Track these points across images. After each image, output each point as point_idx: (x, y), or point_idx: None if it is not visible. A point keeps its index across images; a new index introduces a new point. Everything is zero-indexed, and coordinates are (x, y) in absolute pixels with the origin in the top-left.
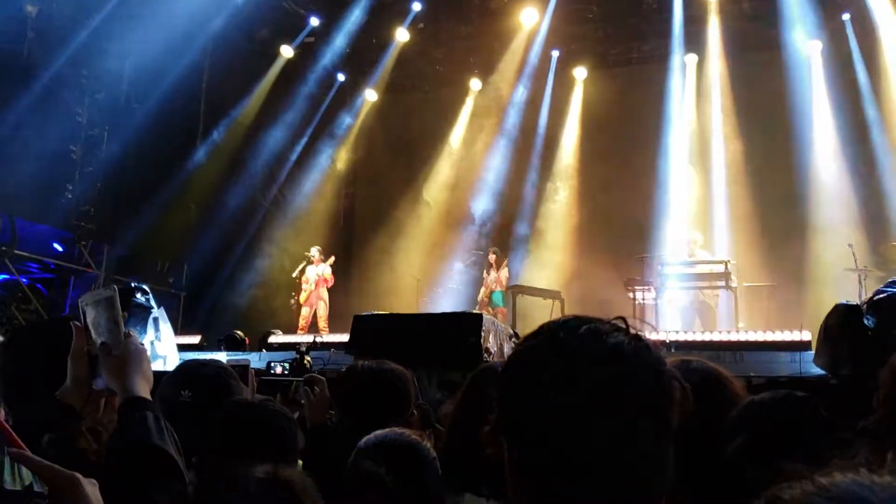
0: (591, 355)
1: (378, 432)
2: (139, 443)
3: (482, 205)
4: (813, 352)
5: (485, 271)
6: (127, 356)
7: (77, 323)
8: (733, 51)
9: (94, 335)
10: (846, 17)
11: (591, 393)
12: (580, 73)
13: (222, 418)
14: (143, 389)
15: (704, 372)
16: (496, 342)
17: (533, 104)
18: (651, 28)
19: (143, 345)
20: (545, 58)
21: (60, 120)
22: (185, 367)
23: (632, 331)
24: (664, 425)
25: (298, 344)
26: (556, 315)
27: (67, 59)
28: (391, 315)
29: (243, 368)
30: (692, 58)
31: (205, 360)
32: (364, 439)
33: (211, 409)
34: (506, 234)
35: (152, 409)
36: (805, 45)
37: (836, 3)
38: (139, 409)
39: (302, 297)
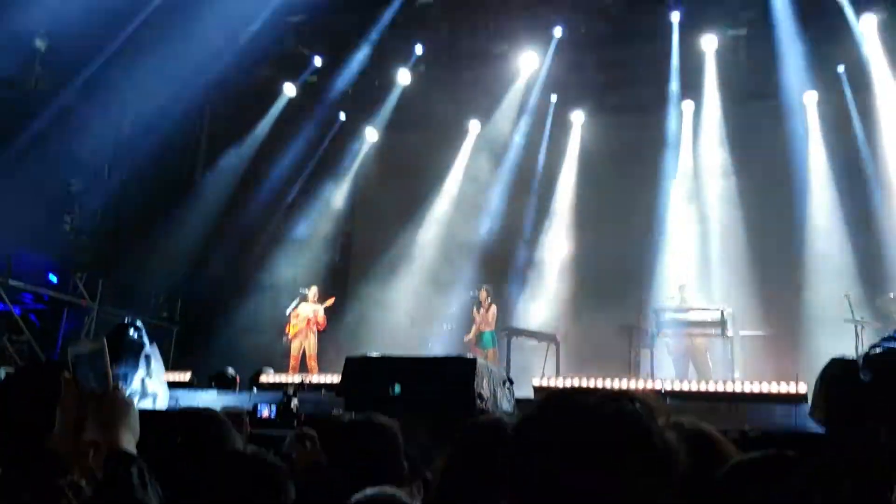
0: (597, 428)
1: (369, 491)
2: (123, 498)
3: (479, 244)
4: (809, 405)
5: (474, 309)
6: (114, 408)
7: (67, 373)
8: (730, 99)
9: (83, 385)
10: (841, 68)
11: (593, 461)
12: (578, 117)
13: (217, 470)
14: (129, 443)
15: (697, 433)
16: (490, 387)
17: (531, 146)
18: (648, 75)
19: (130, 398)
20: (544, 101)
21: (63, 152)
22: (179, 414)
23: (632, 403)
24: (660, 489)
25: (287, 386)
26: (552, 359)
27: (73, 92)
28: (383, 357)
29: (237, 416)
30: (689, 104)
31: (200, 408)
32: (355, 498)
33: (204, 459)
34: (502, 273)
35: (137, 464)
36: (801, 95)
37: (831, 55)
38: (124, 463)
39: (291, 331)
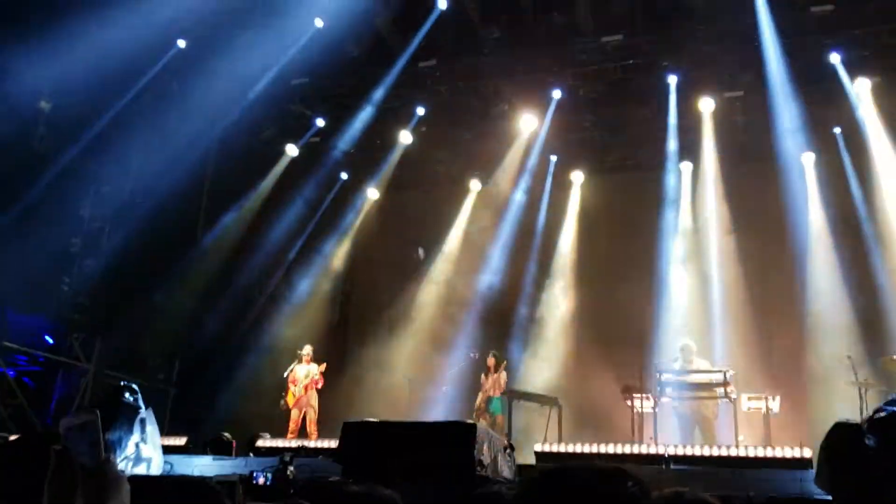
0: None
1: None
2: None
3: (479, 304)
4: (814, 470)
5: (483, 375)
6: (105, 482)
7: (57, 447)
8: (727, 160)
9: (74, 458)
10: (837, 130)
11: None
12: (577, 177)
13: None
14: None
15: None
16: (490, 454)
17: (531, 206)
18: (646, 136)
19: (122, 473)
20: (543, 162)
21: (64, 211)
22: (172, 482)
23: (627, 482)
24: None
25: (284, 451)
26: (554, 422)
27: (76, 153)
28: (382, 423)
29: (231, 485)
30: (687, 165)
31: (193, 477)
32: None
33: None
34: (503, 333)
35: None
36: (798, 156)
37: (827, 118)
38: None
39: (290, 400)
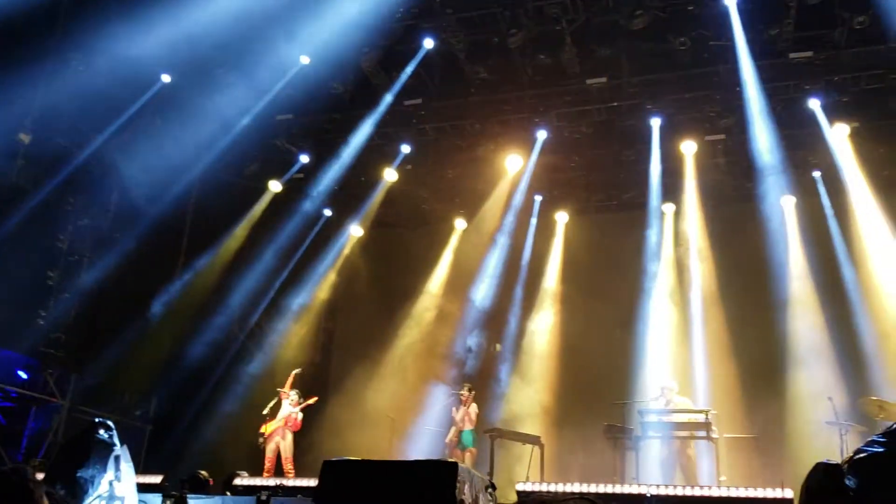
0: None
1: None
2: None
3: (462, 342)
4: None
5: (454, 409)
6: None
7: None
8: (709, 201)
9: None
10: (817, 174)
11: None
12: (562, 217)
13: None
14: None
15: None
16: (471, 493)
17: (516, 245)
18: (630, 178)
19: None
20: (528, 201)
21: (42, 245)
22: None
23: None
24: None
25: (261, 490)
26: (536, 462)
27: (55, 186)
28: (362, 461)
29: None
30: (670, 207)
31: None
32: None
33: None
34: (485, 372)
35: None
36: (778, 198)
37: (807, 162)
38: None
39: (267, 429)
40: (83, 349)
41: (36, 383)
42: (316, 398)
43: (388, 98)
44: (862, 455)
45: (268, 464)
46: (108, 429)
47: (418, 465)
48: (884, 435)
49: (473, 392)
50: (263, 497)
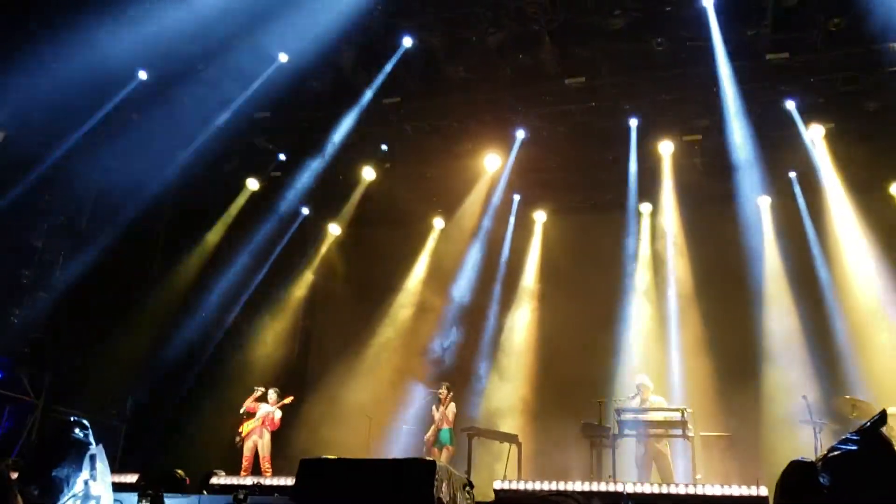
0: None
1: None
2: None
3: (440, 342)
4: None
5: (433, 408)
6: None
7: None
8: (686, 201)
9: None
10: (793, 175)
11: None
12: (540, 216)
13: None
14: None
15: None
16: (449, 491)
17: (495, 244)
18: (608, 178)
19: None
20: (507, 201)
21: (17, 243)
22: None
23: None
24: None
25: (239, 489)
26: (514, 460)
27: (31, 183)
28: (340, 460)
29: None
30: (647, 207)
31: None
32: None
33: None
34: (463, 370)
35: None
36: (755, 199)
37: (783, 162)
38: None
39: (245, 428)
40: (58, 348)
41: (10, 382)
42: (292, 398)
43: (367, 96)
44: (836, 453)
45: (245, 462)
46: (83, 428)
47: (396, 463)
48: (857, 433)
49: (452, 392)
50: (241, 496)
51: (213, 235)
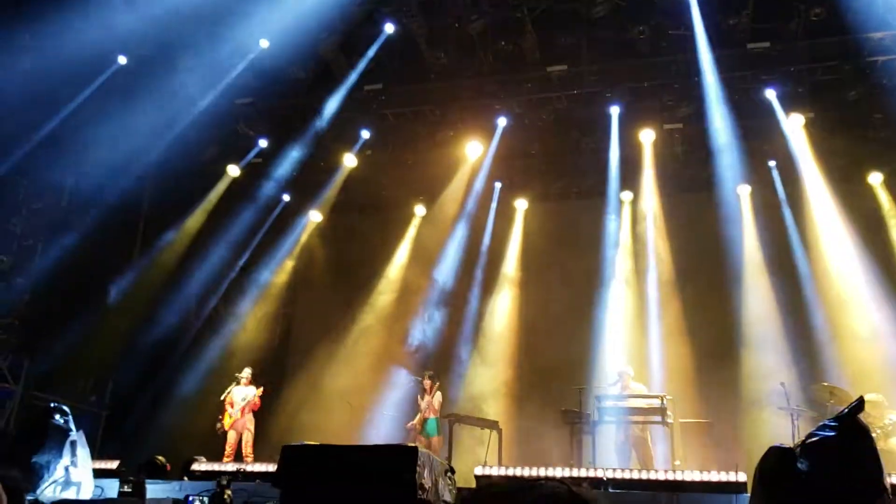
0: None
1: None
2: None
3: (421, 329)
4: (748, 494)
5: (419, 397)
6: None
7: None
8: (667, 189)
9: None
10: (772, 163)
11: None
12: (521, 204)
13: None
14: None
15: None
16: (431, 477)
17: (476, 231)
18: (589, 166)
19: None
20: (488, 188)
21: None
22: None
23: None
24: None
25: (221, 475)
26: (494, 447)
27: (8, 169)
28: (322, 446)
29: None
30: (628, 195)
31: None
32: None
33: None
34: (444, 357)
35: None
36: (734, 187)
37: (762, 151)
38: None
39: (227, 422)
40: (37, 334)
41: None
42: (262, 388)
43: (348, 83)
44: (814, 439)
45: (228, 449)
46: (63, 414)
47: (378, 449)
48: (835, 419)
49: (438, 383)
50: (224, 482)
51: (194, 222)
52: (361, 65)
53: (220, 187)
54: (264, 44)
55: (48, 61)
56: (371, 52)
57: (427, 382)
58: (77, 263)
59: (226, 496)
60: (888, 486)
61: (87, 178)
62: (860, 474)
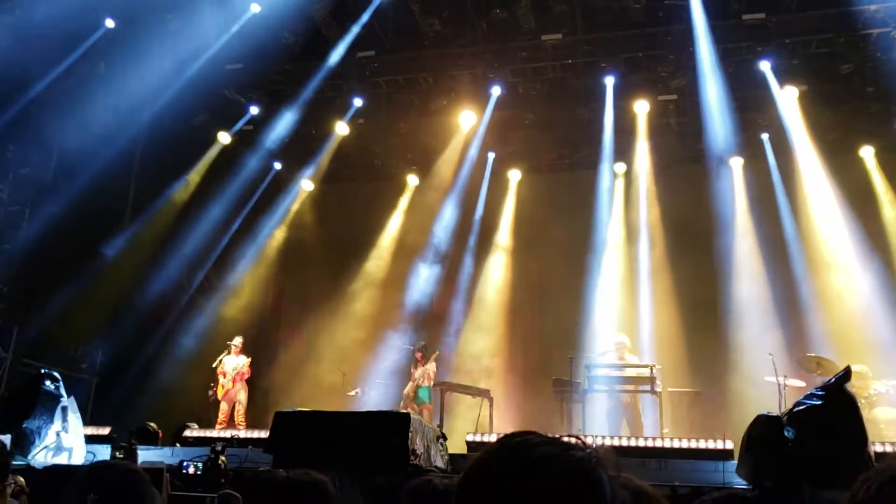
0: (548, 474)
1: None
2: None
3: (414, 298)
4: (736, 461)
5: (412, 366)
6: None
7: None
8: (660, 161)
9: None
10: (765, 136)
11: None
12: (514, 174)
13: None
14: None
15: (632, 489)
16: (423, 443)
17: (469, 201)
18: (583, 137)
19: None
20: (482, 158)
21: None
22: (94, 468)
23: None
24: None
25: (214, 441)
26: (485, 414)
27: None
28: (314, 412)
29: (158, 472)
30: (621, 166)
31: (116, 462)
32: None
33: None
34: (436, 326)
35: None
36: (727, 159)
37: (755, 124)
38: None
39: (220, 392)
40: (26, 301)
41: None
42: (249, 359)
43: (341, 49)
44: (801, 407)
45: (222, 416)
46: (54, 380)
47: (371, 415)
48: (822, 388)
49: (437, 353)
50: (219, 447)
51: (185, 188)
52: (354, 31)
53: (212, 154)
54: (255, 8)
55: (35, 23)
56: (364, 18)
57: (419, 354)
58: (66, 229)
59: (220, 462)
60: (871, 455)
61: (76, 142)
62: (845, 442)
